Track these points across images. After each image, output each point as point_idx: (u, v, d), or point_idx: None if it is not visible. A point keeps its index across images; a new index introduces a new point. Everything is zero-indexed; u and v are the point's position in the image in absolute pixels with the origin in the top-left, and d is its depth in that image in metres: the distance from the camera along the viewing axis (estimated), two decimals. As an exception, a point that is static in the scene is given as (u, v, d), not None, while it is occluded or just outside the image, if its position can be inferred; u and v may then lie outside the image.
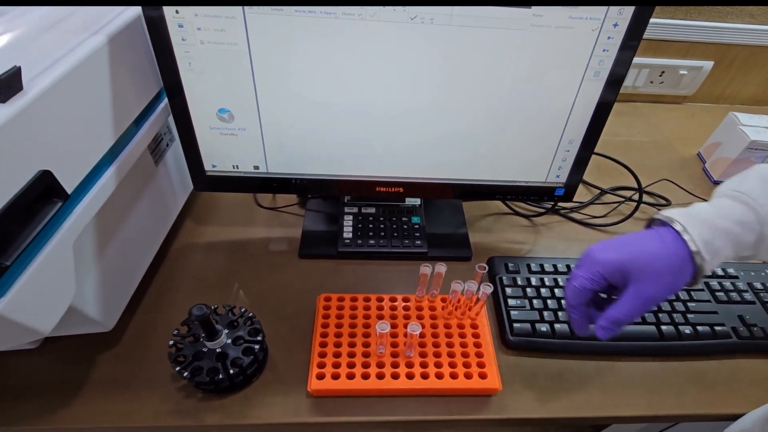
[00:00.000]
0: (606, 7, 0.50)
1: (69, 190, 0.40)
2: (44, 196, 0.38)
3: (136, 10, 0.51)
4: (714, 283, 0.62)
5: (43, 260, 0.37)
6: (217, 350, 0.49)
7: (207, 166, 0.62)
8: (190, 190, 0.71)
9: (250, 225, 0.72)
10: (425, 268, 0.54)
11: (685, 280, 0.42)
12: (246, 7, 0.49)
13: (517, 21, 0.51)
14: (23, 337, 0.37)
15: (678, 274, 0.41)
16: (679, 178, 0.84)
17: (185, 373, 0.47)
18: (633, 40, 0.52)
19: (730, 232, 0.41)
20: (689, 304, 0.59)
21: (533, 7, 0.50)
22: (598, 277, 0.42)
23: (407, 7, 0.49)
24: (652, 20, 0.51)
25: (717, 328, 0.56)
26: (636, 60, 0.54)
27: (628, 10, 0.51)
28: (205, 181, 0.63)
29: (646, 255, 0.41)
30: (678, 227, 0.42)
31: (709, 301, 0.60)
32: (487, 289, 0.50)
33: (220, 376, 0.47)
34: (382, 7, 0.49)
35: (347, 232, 0.68)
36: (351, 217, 0.70)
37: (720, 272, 0.63)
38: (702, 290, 0.61)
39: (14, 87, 0.36)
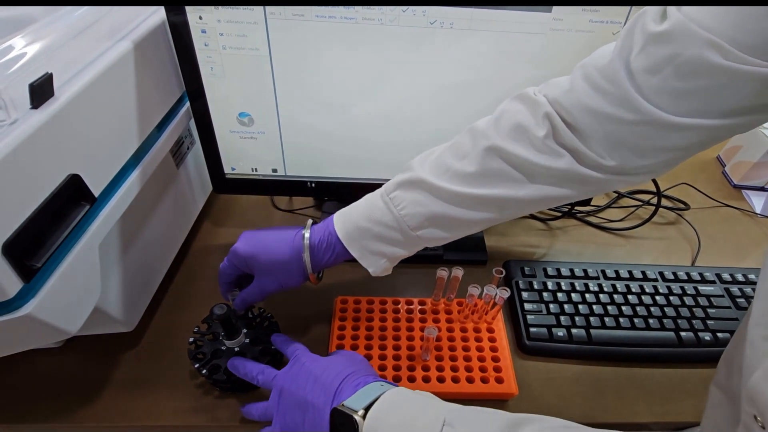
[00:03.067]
0: (627, 10, 0.50)
1: (96, 193, 0.41)
2: (73, 199, 0.39)
3: (160, 16, 0.52)
4: (735, 289, 0.61)
5: (71, 262, 0.38)
6: (236, 349, 0.49)
7: (227, 169, 0.62)
8: (209, 193, 0.72)
9: (267, 227, 0.72)
10: (442, 272, 0.54)
11: (298, 279, 0.49)
12: (268, 14, 0.49)
13: (537, 25, 0.50)
14: (51, 337, 0.39)
15: (290, 272, 0.48)
16: (698, 181, 0.83)
17: (203, 371, 0.48)
18: (654, 44, 0.52)
19: (371, 231, 0.46)
20: (709, 310, 0.58)
21: (553, 11, 0.50)
22: (232, 266, 0.50)
23: (427, 12, 0.50)
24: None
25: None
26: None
27: (649, 14, 0.50)
28: (224, 184, 0.64)
29: (266, 255, 0.47)
30: (306, 231, 0.48)
31: (729, 307, 0.59)
32: (504, 293, 0.51)
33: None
34: (402, 12, 0.50)
35: (363, 235, 0.68)
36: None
37: (741, 278, 0.63)
38: (722, 296, 0.60)
39: (46, 93, 0.37)
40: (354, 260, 0.47)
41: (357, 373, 0.42)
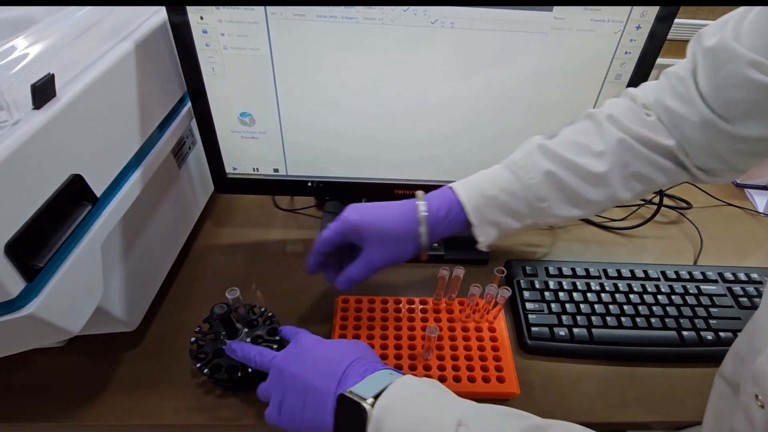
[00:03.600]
0: (629, 10, 0.50)
1: (98, 193, 0.41)
2: (74, 199, 0.39)
3: (161, 17, 0.53)
4: (737, 288, 0.61)
5: (73, 262, 0.38)
6: None
7: (228, 169, 0.63)
8: (210, 192, 0.73)
9: (269, 227, 0.73)
10: (443, 271, 0.54)
11: (410, 251, 0.47)
12: (269, 14, 0.49)
13: (538, 24, 0.50)
14: (53, 337, 0.39)
15: (400, 242, 0.46)
16: (701, 180, 0.83)
17: (205, 370, 0.48)
18: (656, 42, 0.52)
19: (496, 199, 0.46)
20: (711, 309, 0.58)
21: (554, 10, 0.50)
22: (340, 234, 0.47)
23: (428, 12, 0.50)
24: (676, 21, 0.51)
25: (740, 334, 0.55)
26: (657, 61, 0.54)
27: (651, 12, 0.50)
28: (226, 184, 0.64)
29: (379, 223, 0.46)
30: (420, 201, 0.46)
31: (731, 306, 0.59)
32: (506, 292, 0.51)
33: (239, 374, 0.48)
34: (402, 12, 0.50)
35: (365, 234, 0.68)
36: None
37: (743, 277, 0.62)
38: (725, 296, 0.60)
39: (48, 94, 0.37)
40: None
41: (364, 358, 0.40)
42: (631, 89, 0.48)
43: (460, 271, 0.53)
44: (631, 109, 0.46)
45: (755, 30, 0.37)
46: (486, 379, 0.49)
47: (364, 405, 0.34)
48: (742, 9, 0.39)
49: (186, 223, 0.65)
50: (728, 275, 0.63)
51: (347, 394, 0.35)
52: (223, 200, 0.77)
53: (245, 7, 0.49)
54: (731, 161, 0.44)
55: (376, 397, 0.35)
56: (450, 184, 0.48)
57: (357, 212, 0.47)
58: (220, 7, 0.49)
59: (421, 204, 0.46)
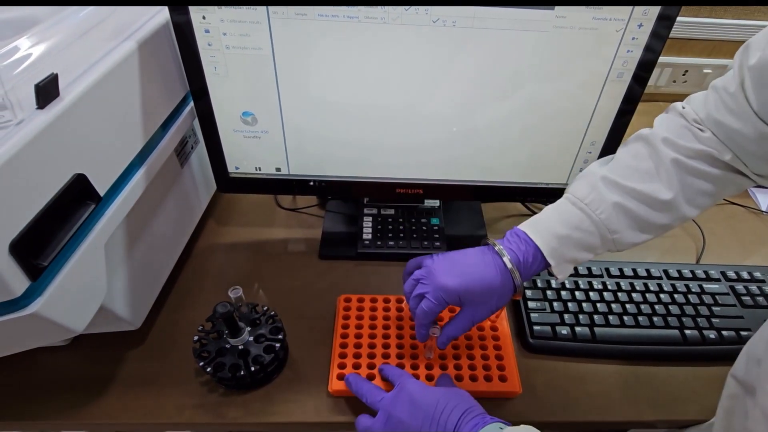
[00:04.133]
0: (630, 8, 0.50)
1: (101, 192, 0.42)
2: (78, 198, 0.39)
3: (164, 16, 0.53)
4: (740, 287, 0.61)
5: (77, 261, 0.38)
6: (240, 347, 0.50)
7: (231, 168, 0.63)
8: (213, 191, 0.73)
9: (271, 226, 0.73)
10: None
11: (506, 300, 0.47)
12: (270, 13, 0.50)
13: (540, 23, 0.50)
14: (57, 336, 0.39)
15: (501, 296, 0.46)
16: (704, 179, 0.83)
17: (208, 369, 0.48)
18: (658, 40, 0.52)
19: (570, 238, 0.45)
20: (714, 308, 0.58)
21: (556, 9, 0.50)
22: (442, 302, 0.46)
23: (429, 11, 0.50)
24: (679, 18, 0.51)
25: (743, 333, 0.55)
26: (659, 59, 0.54)
27: (653, 11, 0.50)
28: (228, 183, 0.64)
29: (479, 283, 0.45)
30: (500, 251, 0.46)
31: (734, 305, 0.59)
32: (508, 291, 0.51)
33: (242, 373, 0.48)
34: (404, 11, 0.50)
35: (366, 234, 0.68)
36: (370, 219, 0.71)
37: (746, 276, 0.62)
38: (727, 294, 0.60)
39: (52, 93, 0.37)
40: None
41: (473, 410, 0.41)
42: (678, 105, 0.48)
43: (462, 270, 0.53)
44: (685, 128, 0.46)
45: None
46: (488, 378, 0.50)
47: None
48: None
49: (189, 222, 0.66)
50: (731, 274, 0.63)
51: None
52: (226, 199, 0.77)
53: (247, 6, 0.49)
54: None
55: None
56: (520, 227, 0.48)
57: (453, 276, 0.46)
58: (222, 7, 0.49)
59: (504, 253, 0.46)
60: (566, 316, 0.56)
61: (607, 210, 0.45)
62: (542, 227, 0.47)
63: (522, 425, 0.38)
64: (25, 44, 0.41)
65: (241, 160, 0.62)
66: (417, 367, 0.50)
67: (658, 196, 0.45)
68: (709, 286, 0.61)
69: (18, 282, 0.33)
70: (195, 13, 0.49)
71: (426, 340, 0.49)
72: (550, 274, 0.47)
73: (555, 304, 0.58)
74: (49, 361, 0.53)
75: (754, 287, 0.61)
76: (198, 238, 0.69)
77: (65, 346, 0.54)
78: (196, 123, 0.59)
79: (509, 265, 0.45)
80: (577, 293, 0.59)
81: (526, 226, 0.47)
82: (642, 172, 0.46)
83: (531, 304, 0.58)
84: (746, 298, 0.59)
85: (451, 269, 0.46)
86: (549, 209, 0.48)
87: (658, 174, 0.46)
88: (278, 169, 0.63)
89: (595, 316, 0.56)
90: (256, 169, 0.63)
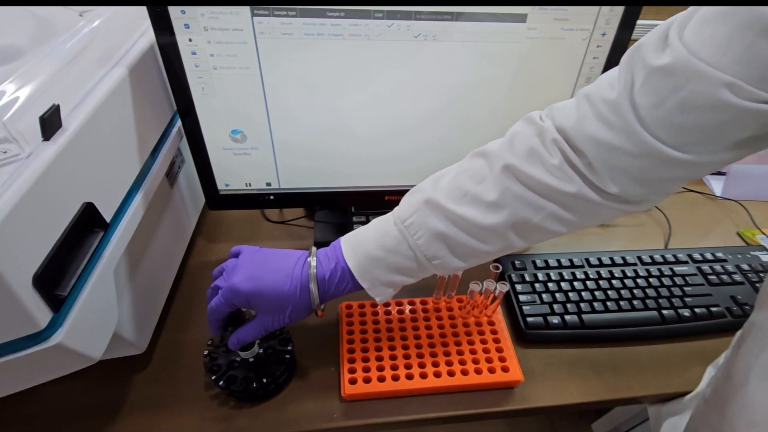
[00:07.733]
0: (594, 18, 0.54)
1: (107, 219, 0.42)
2: (88, 227, 0.39)
3: (148, 39, 0.53)
4: (706, 267, 0.66)
5: (91, 289, 0.38)
6: (250, 360, 0.51)
7: (220, 186, 0.63)
8: (200, 209, 0.73)
9: (260, 239, 0.74)
10: (442, 272, 0.56)
11: (305, 313, 0.46)
12: (257, 33, 0.51)
13: (513, 34, 0.54)
14: (76, 365, 0.39)
15: (298, 309, 0.45)
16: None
17: (220, 382, 0.49)
18: (620, 46, 0.56)
19: (384, 261, 0.44)
20: (686, 288, 0.63)
21: (528, 21, 0.53)
22: (230, 303, 0.45)
23: (411, 26, 0.52)
24: (638, 22, 0.55)
25: (713, 309, 0.60)
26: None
27: (615, 20, 0.55)
28: (218, 200, 0.65)
29: (271, 292, 0.44)
30: (312, 259, 0.45)
31: (702, 284, 0.64)
32: (504, 287, 0.54)
33: (255, 385, 0.49)
34: (387, 28, 0.52)
35: (358, 241, 0.70)
36: (360, 226, 0.72)
37: (710, 256, 0.68)
38: (695, 275, 0.65)
39: (56, 125, 0.37)
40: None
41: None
42: (540, 115, 0.42)
43: (458, 270, 0.56)
44: (533, 152, 0.40)
45: (711, 46, 0.31)
46: (491, 370, 0.52)
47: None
48: (679, 18, 0.33)
49: (181, 242, 0.66)
50: (697, 256, 0.68)
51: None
52: (212, 216, 0.77)
53: (233, 28, 0.50)
54: (663, 188, 0.40)
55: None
56: (343, 239, 0.47)
57: (246, 278, 0.44)
58: (209, 29, 0.50)
59: (313, 262, 0.45)
60: (555, 306, 0.60)
61: (425, 236, 0.42)
62: (359, 243, 0.45)
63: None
64: (19, 76, 0.40)
65: (231, 178, 0.63)
66: (424, 366, 0.52)
67: (483, 223, 0.41)
68: (679, 269, 0.66)
69: (42, 314, 0.33)
70: (181, 35, 0.50)
71: (217, 334, 0.49)
72: None
73: (544, 295, 0.61)
74: (55, 390, 0.51)
75: (718, 266, 0.66)
76: (190, 257, 0.69)
77: (70, 375, 0.53)
78: (183, 143, 0.59)
79: (311, 282, 0.44)
80: (562, 284, 0.63)
81: (346, 240, 0.46)
82: (473, 195, 0.42)
83: (522, 298, 0.61)
84: (712, 277, 0.65)
85: (250, 271, 0.45)
86: (375, 222, 0.46)
87: (490, 197, 0.41)
88: (268, 184, 0.64)
89: (582, 304, 0.60)
90: (246, 185, 0.64)
